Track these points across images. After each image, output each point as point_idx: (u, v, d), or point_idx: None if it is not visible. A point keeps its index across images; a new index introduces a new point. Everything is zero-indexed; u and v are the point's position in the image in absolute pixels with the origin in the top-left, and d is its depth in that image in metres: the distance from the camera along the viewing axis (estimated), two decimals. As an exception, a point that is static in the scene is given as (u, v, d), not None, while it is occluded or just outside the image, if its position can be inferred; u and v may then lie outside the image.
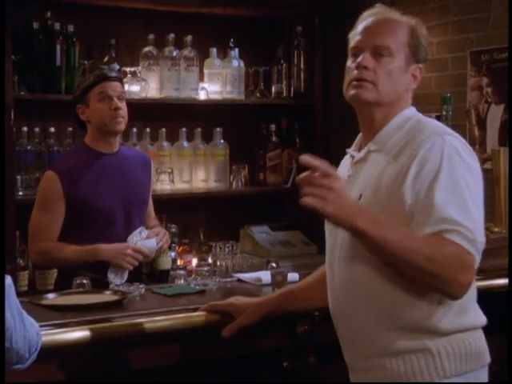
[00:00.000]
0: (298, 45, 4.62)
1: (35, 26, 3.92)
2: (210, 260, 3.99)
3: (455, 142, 1.95)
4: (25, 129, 3.96)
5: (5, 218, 3.60)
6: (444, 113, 3.57)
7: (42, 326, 1.93)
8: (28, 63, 3.92)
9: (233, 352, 2.42)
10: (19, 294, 1.87)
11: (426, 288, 1.91)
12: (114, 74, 3.18)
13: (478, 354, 1.98)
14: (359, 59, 2.03)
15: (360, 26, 2.09)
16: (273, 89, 4.65)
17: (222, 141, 4.44)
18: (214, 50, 4.42)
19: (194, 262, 4.10)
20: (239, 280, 3.01)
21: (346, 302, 2.04)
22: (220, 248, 4.04)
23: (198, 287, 2.80)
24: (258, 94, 4.59)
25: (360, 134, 2.16)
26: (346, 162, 2.19)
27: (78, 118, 3.15)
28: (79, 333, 2.23)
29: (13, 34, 3.76)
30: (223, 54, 4.51)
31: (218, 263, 3.96)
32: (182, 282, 3.00)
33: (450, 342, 1.94)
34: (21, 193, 3.88)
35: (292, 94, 4.66)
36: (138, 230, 3.10)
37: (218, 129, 4.43)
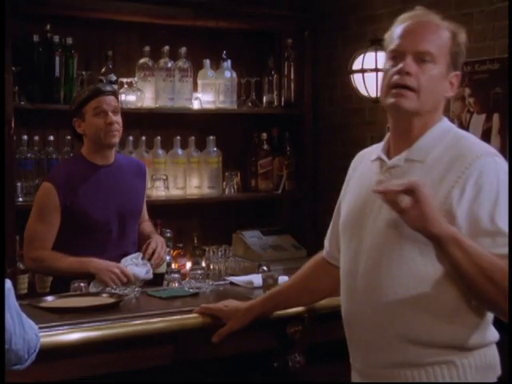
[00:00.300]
0: (288, 56, 4.62)
1: (35, 38, 3.95)
2: (203, 264, 4.03)
3: (503, 163, 1.93)
4: (25, 137, 3.98)
5: (5, 224, 3.62)
6: (428, 122, 3.66)
7: (40, 328, 1.95)
8: (28, 74, 3.94)
9: (225, 353, 2.45)
10: (19, 296, 1.90)
11: (487, 306, 1.88)
12: (108, 89, 3.17)
13: (494, 365, 2.00)
14: (401, 65, 1.93)
15: (400, 28, 1.98)
16: (264, 99, 4.65)
17: (215, 149, 4.44)
18: (207, 62, 4.43)
19: (188, 265, 4.12)
20: (231, 283, 3.03)
21: (368, 307, 1.95)
22: (213, 252, 4.07)
23: (191, 290, 2.82)
24: (249, 104, 4.60)
25: (386, 139, 2.07)
26: (366, 163, 2.09)
27: (75, 129, 3.18)
28: (77, 334, 2.25)
29: (13, 46, 3.77)
30: (216, 65, 4.52)
31: (211, 267, 4.01)
32: (176, 285, 3.03)
33: (473, 355, 1.93)
34: (21, 199, 3.89)
35: (283, 104, 4.67)
36: (134, 255, 3.11)
37: (211, 137, 4.43)
